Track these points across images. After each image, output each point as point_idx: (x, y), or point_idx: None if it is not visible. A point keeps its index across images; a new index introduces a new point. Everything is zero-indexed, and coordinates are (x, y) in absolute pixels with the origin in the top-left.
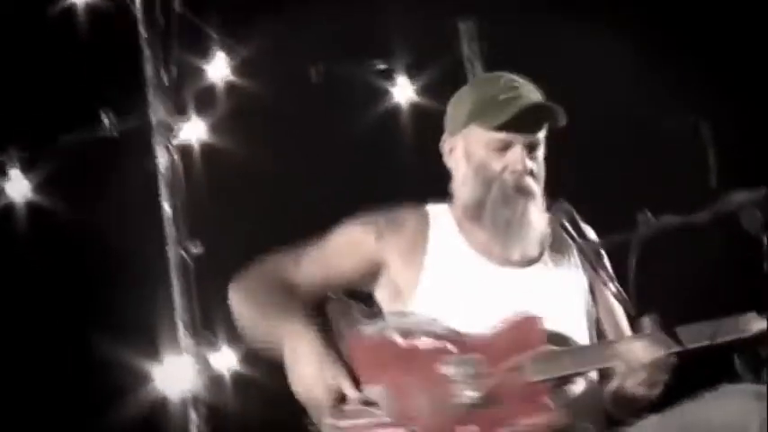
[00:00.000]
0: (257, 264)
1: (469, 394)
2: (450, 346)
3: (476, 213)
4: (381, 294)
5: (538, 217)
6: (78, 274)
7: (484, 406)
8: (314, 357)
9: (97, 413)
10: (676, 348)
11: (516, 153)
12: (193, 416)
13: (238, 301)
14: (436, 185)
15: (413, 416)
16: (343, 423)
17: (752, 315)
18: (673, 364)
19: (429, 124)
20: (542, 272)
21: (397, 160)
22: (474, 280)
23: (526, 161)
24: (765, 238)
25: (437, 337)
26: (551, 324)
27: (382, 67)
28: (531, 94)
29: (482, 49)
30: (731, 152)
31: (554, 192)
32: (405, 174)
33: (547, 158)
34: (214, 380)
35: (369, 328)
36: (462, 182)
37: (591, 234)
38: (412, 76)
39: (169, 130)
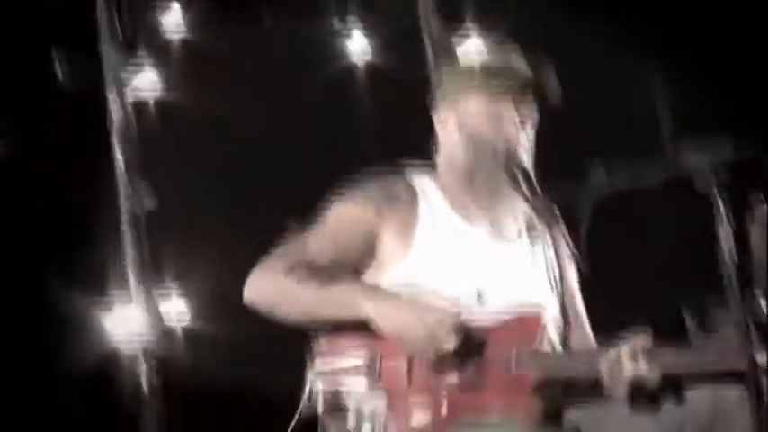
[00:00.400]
0: (266, 259)
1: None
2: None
3: (467, 183)
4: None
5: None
6: (30, 225)
7: (461, 388)
8: (405, 305)
9: (48, 363)
10: (662, 371)
11: (510, 123)
12: (144, 367)
13: (271, 289)
14: (392, 142)
15: (394, 383)
16: (328, 381)
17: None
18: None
19: (385, 83)
20: (524, 248)
21: (353, 119)
22: (460, 251)
23: (518, 133)
24: (718, 200)
25: None
26: (530, 299)
27: (339, 25)
28: (528, 70)
29: (439, 7)
30: (683, 102)
31: None
32: (361, 132)
33: None
34: (165, 331)
35: None
36: (454, 151)
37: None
38: (368, 35)
39: (123, 83)
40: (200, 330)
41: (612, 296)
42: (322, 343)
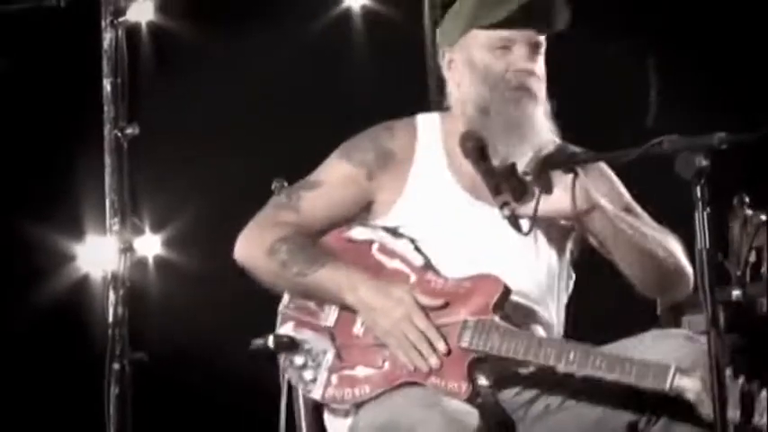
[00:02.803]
0: (258, 218)
1: None
2: (412, 278)
3: (483, 121)
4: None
5: (543, 120)
6: (10, 145)
7: None
8: (377, 297)
9: (18, 288)
10: (596, 374)
11: (518, 51)
12: (112, 296)
13: (256, 265)
14: (387, 88)
15: (348, 330)
16: (291, 312)
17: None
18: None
19: (380, 28)
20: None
21: (348, 64)
22: (449, 213)
23: (527, 61)
24: (696, 186)
25: (407, 264)
26: (497, 266)
27: None
28: None
29: None
30: (675, 94)
31: None
32: (357, 77)
33: None
34: (136, 262)
35: (357, 230)
36: (467, 92)
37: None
38: None
39: (117, 7)
40: (171, 262)
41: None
42: None
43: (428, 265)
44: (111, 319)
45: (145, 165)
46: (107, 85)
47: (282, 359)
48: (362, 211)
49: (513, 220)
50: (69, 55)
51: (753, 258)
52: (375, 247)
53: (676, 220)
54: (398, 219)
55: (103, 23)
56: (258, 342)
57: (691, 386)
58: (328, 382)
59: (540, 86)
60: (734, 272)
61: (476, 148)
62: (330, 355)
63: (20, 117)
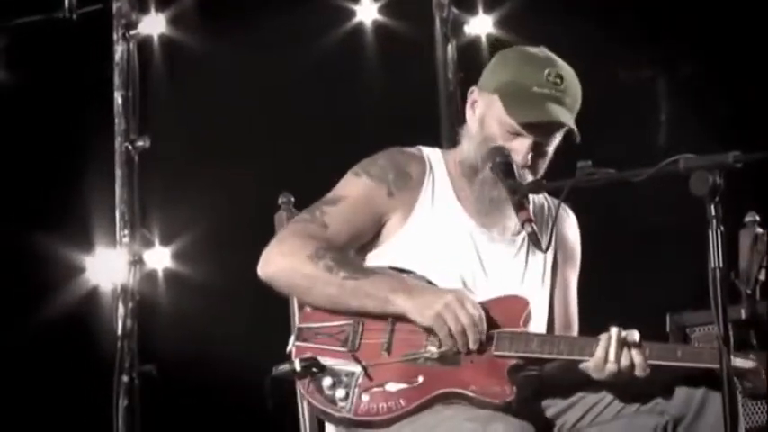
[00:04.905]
0: (285, 236)
1: (431, 348)
2: None
3: (471, 174)
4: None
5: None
6: (20, 157)
7: (440, 363)
8: (433, 299)
9: (28, 300)
10: (644, 362)
11: (523, 145)
12: (121, 308)
13: (296, 272)
14: (398, 102)
15: (372, 353)
16: (306, 344)
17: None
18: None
19: (391, 43)
20: (513, 248)
21: (359, 78)
22: (451, 238)
23: (529, 156)
24: (710, 204)
25: None
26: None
27: None
28: (566, 96)
29: None
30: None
31: None
32: (368, 91)
33: None
34: (145, 274)
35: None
36: (470, 138)
37: (527, 177)
38: None
39: (129, 20)
40: (180, 274)
41: (598, 295)
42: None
43: None
44: (120, 331)
45: (155, 177)
46: (118, 97)
47: (306, 384)
48: (377, 234)
49: (534, 237)
50: (80, 67)
51: (762, 277)
52: None
53: (686, 237)
54: (402, 244)
55: (115, 36)
56: (282, 367)
57: (742, 364)
58: (360, 399)
59: (531, 175)
60: (744, 290)
61: (503, 164)
62: (359, 375)
63: (30, 129)
